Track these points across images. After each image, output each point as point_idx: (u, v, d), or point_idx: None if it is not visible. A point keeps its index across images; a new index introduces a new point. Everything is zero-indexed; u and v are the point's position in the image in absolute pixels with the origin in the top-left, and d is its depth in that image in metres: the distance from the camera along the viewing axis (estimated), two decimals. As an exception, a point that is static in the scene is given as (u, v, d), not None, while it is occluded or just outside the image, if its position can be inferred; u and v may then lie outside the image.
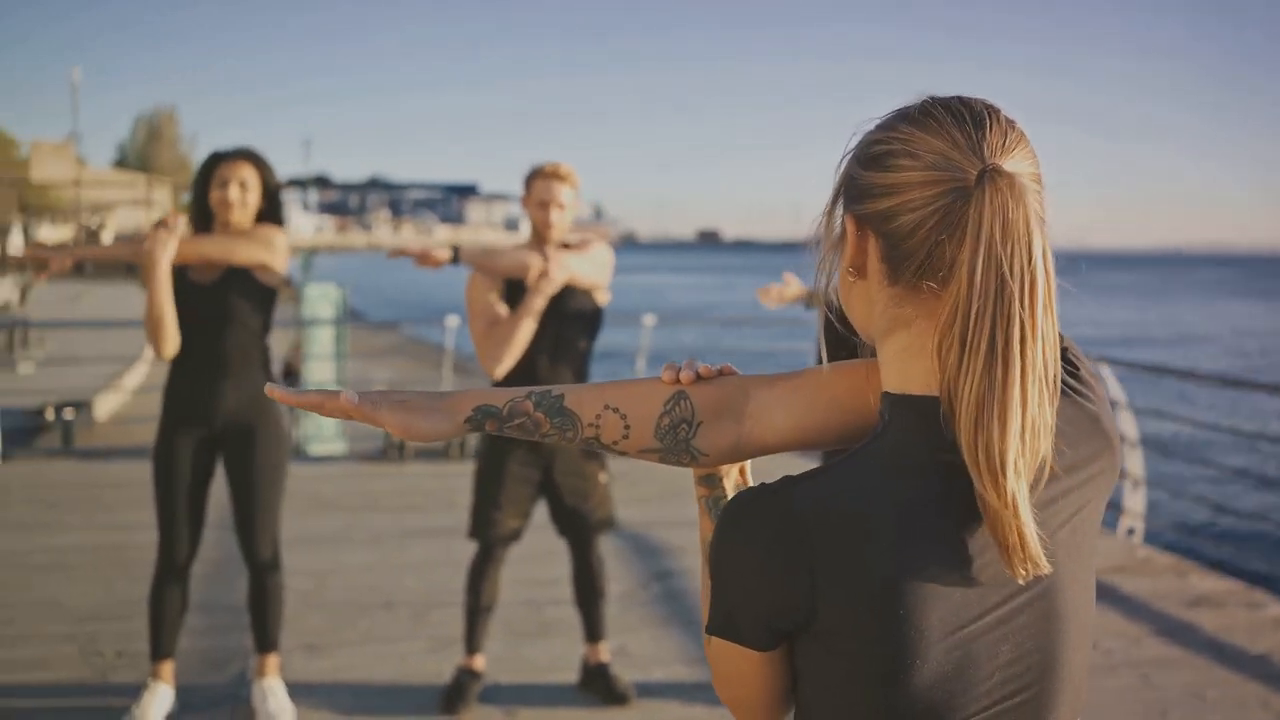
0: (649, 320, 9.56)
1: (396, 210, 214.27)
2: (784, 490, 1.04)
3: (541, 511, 4.58)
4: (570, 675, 4.27)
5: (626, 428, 1.20)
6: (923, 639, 1.01)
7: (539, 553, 5.34)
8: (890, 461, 1.05)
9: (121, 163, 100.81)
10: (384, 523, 6.59)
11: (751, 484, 1.22)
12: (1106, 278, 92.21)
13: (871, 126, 1.09)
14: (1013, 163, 1.03)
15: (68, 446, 9.27)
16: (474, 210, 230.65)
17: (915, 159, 1.03)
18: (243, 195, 3.71)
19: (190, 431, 3.73)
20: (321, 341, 9.90)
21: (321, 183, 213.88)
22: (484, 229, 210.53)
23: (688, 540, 6.18)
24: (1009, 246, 0.99)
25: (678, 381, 1.21)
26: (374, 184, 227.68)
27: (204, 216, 3.79)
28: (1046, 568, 1.00)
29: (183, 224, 3.66)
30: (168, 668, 3.82)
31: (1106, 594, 5.39)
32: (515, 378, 3.83)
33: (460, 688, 4.01)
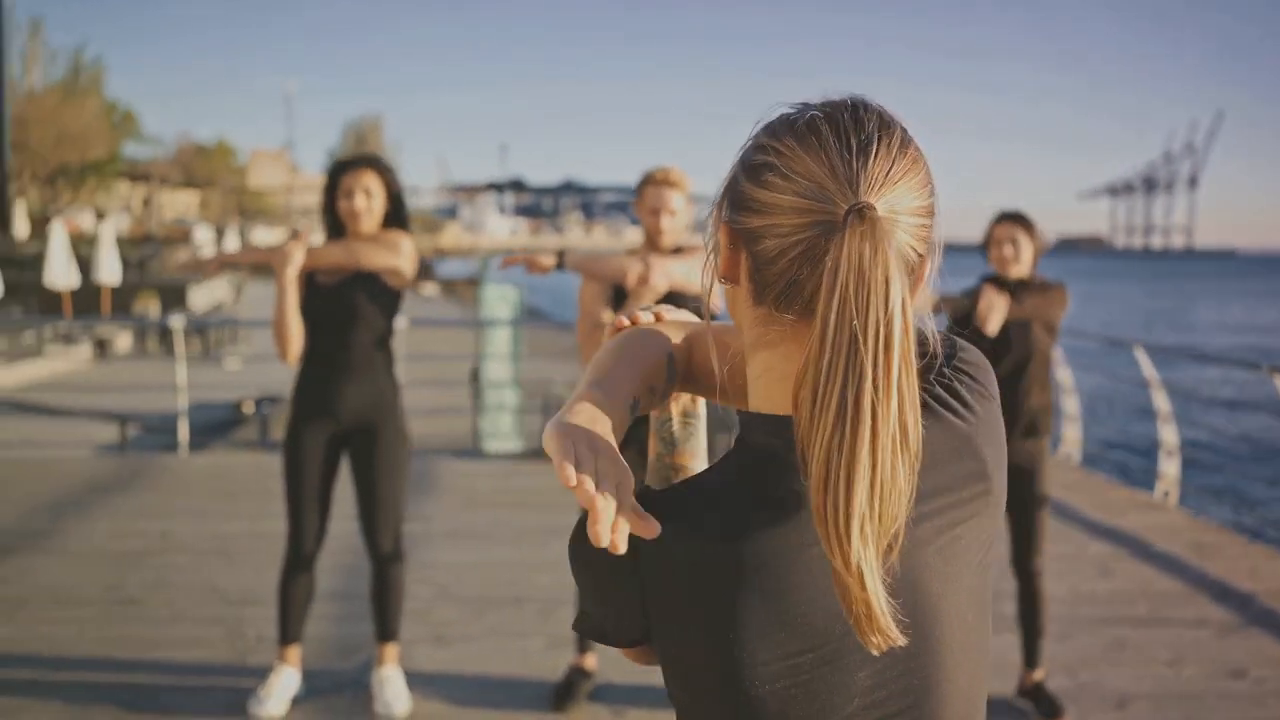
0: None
1: (588, 213, 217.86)
2: None
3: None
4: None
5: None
6: (758, 668, 0.99)
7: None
8: (737, 485, 1.02)
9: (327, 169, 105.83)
10: (530, 520, 6.74)
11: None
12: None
13: (771, 119, 1.04)
14: (891, 198, 0.97)
15: (264, 439, 9.81)
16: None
17: (789, 181, 0.98)
18: (368, 203, 3.86)
19: (317, 427, 3.90)
20: (499, 341, 10.39)
21: (517, 186, 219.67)
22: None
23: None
24: (864, 298, 0.91)
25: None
26: (567, 187, 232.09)
27: (335, 225, 3.96)
28: (899, 639, 0.93)
29: (314, 234, 3.84)
30: (294, 652, 4.01)
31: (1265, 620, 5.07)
32: None
33: (570, 686, 4.07)
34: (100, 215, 44.29)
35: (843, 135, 0.98)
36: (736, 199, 1.03)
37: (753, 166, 1.02)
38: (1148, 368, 8.35)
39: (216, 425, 12.38)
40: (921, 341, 1.09)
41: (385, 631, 4.05)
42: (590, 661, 4.16)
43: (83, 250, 24.66)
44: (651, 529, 0.92)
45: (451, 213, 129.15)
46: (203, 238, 46.19)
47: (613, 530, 0.89)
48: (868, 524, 0.91)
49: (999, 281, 3.99)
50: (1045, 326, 3.98)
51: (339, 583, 5.25)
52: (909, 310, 0.94)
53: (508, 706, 4.06)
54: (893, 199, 0.97)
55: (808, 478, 0.93)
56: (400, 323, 9.87)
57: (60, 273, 20.29)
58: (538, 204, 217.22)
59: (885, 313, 0.92)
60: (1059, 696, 4.12)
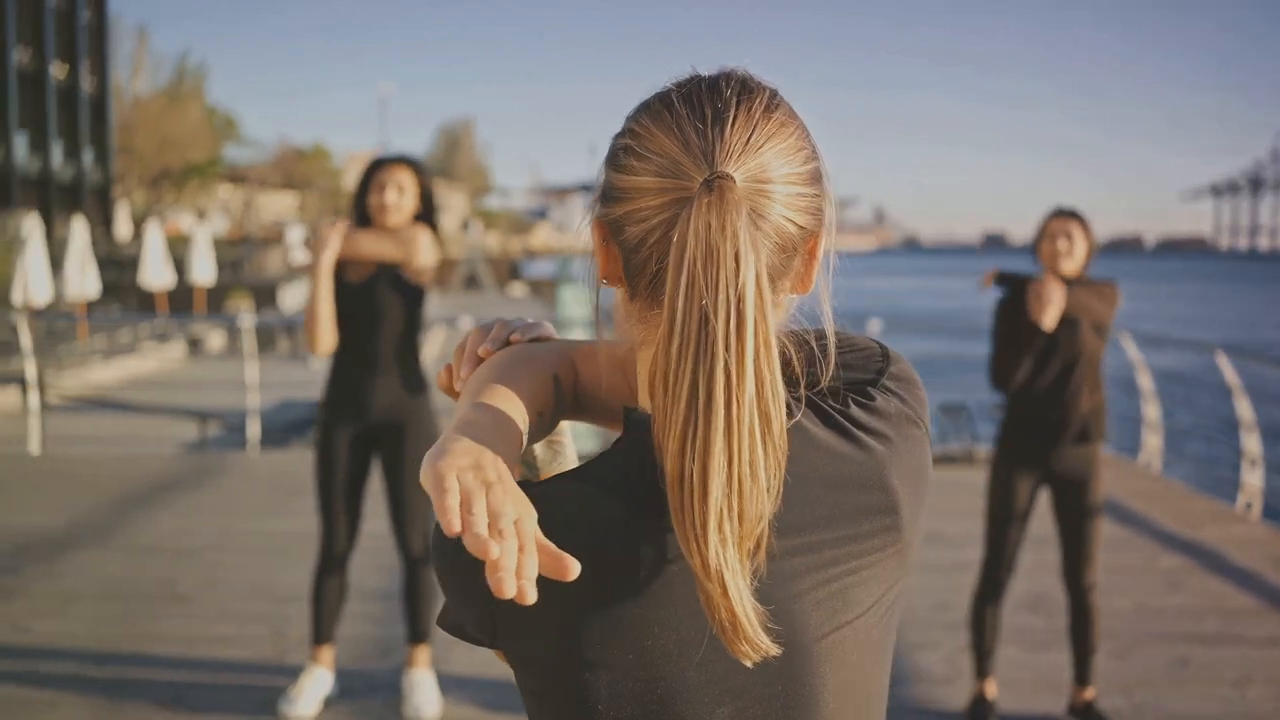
0: (874, 326, 9.27)
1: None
2: None
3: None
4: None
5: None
6: (603, 690, 0.90)
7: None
8: (607, 486, 0.92)
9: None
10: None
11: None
12: None
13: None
14: (753, 166, 0.89)
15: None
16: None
17: (645, 161, 0.90)
18: (399, 199, 3.85)
19: (347, 426, 3.90)
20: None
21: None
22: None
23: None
24: (713, 274, 0.84)
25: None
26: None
27: (365, 220, 3.95)
28: (771, 649, 0.85)
29: (344, 226, 3.85)
30: (326, 652, 4.00)
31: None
32: None
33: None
34: (201, 217, 45.51)
35: (697, 107, 0.90)
36: (604, 192, 0.96)
37: (613, 154, 0.95)
38: (1230, 373, 8.03)
39: (298, 424, 12.60)
40: (820, 339, 0.99)
41: (417, 633, 4.03)
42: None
43: (179, 251, 25.30)
44: (567, 569, 0.80)
45: (542, 214, 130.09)
46: (294, 238, 47.21)
47: (518, 576, 0.77)
48: (726, 522, 0.83)
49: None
50: (1095, 326, 3.81)
51: (377, 582, 5.25)
52: (765, 287, 0.85)
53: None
54: (755, 167, 0.89)
55: (664, 475, 0.86)
56: (465, 322, 9.92)
57: (156, 273, 20.84)
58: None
59: (736, 289, 0.84)
60: (1111, 716, 3.94)
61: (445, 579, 0.95)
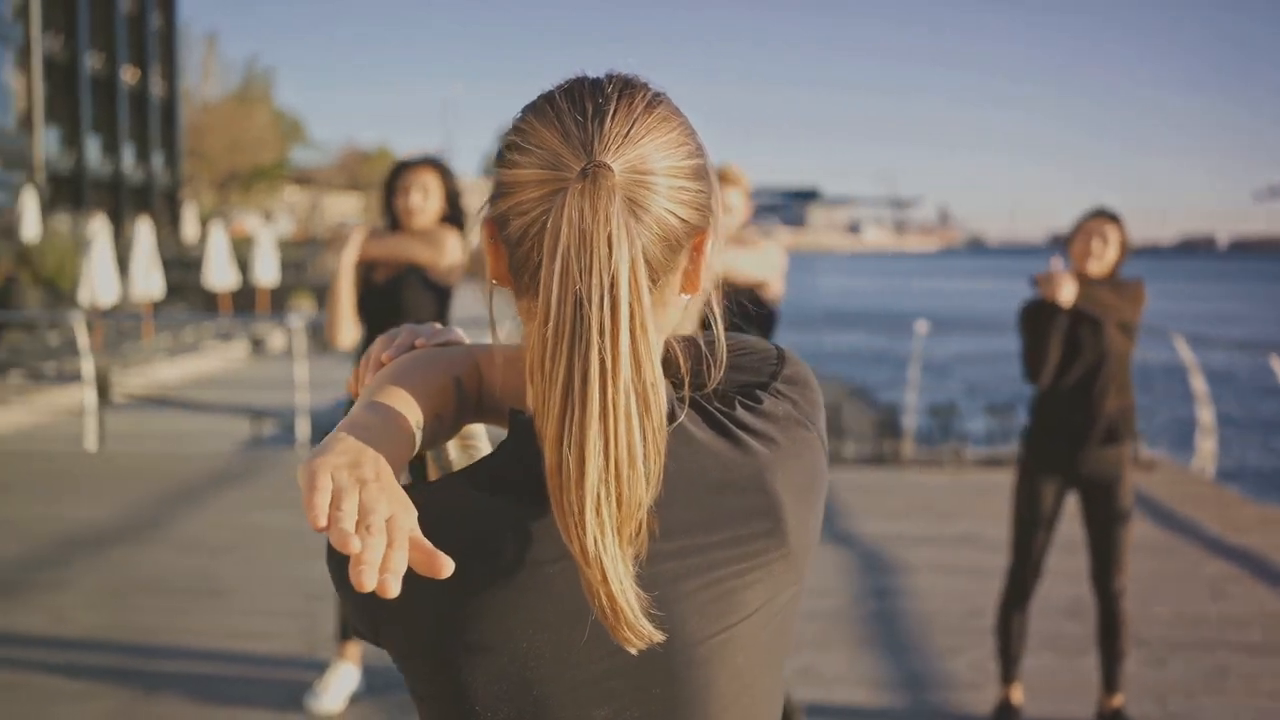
0: (921, 327, 9.18)
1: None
2: None
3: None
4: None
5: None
6: (480, 690, 0.91)
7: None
8: (492, 486, 0.92)
9: (489, 171, 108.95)
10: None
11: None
12: None
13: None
14: (632, 157, 0.88)
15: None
16: (816, 214, 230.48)
17: (527, 155, 0.90)
18: (423, 201, 3.89)
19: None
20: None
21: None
22: (825, 232, 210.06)
23: (925, 559, 5.90)
24: (586, 260, 0.84)
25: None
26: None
27: (392, 222, 4.00)
28: (655, 636, 0.85)
29: (366, 228, 3.92)
30: (354, 648, 4.05)
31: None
32: None
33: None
34: (267, 218, 46.24)
35: (579, 102, 0.91)
36: (492, 191, 0.96)
37: (499, 152, 0.95)
38: None
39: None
40: (710, 343, 0.99)
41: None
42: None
43: (244, 252, 25.73)
44: (440, 567, 0.80)
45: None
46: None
47: (382, 570, 0.77)
48: (604, 507, 0.83)
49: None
50: (1120, 325, 3.74)
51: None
52: (640, 272, 0.85)
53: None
54: (635, 158, 0.89)
55: (546, 472, 0.86)
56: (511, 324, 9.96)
57: (219, 273, 21.21)
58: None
59: (609, 274, 0.84)
60: (1141, 725, 3.87)
61: (335, 579, 0.95)
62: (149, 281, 18.23)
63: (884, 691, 4.23)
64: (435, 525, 0.88)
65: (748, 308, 3.79)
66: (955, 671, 4.42)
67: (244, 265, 23.69)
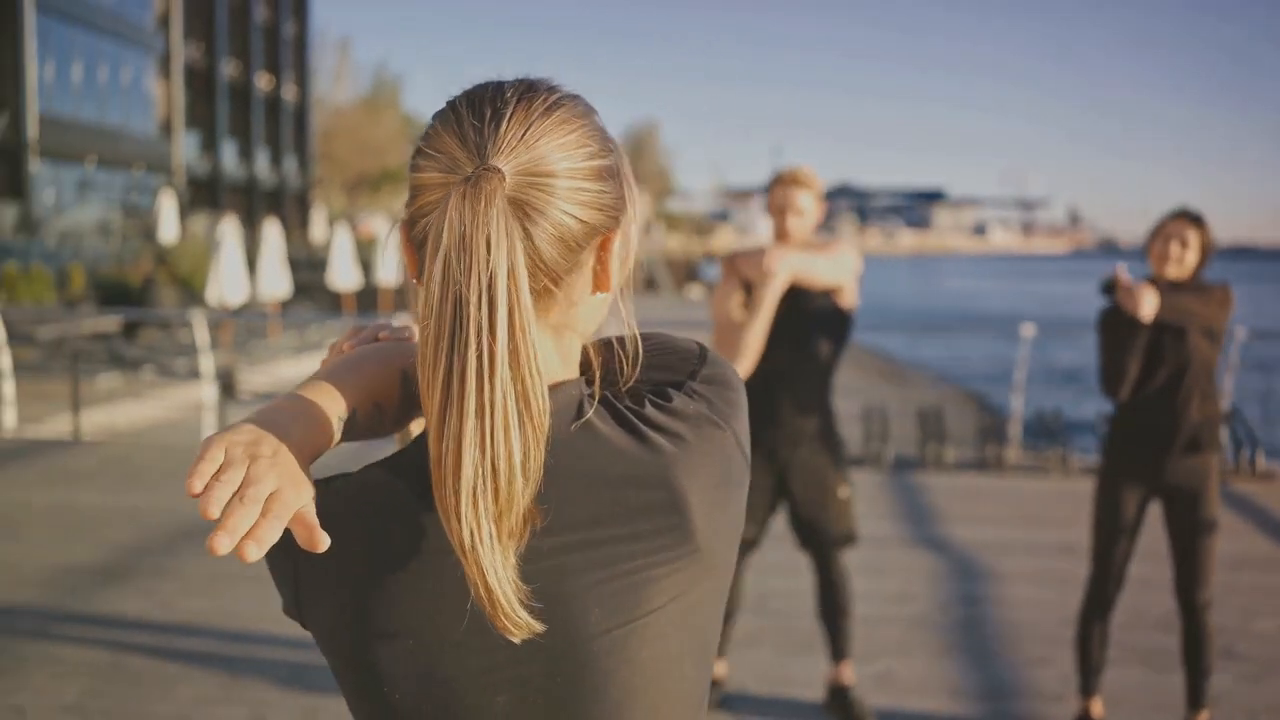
0: (1027, 330, 8.97)
1: (863, 216, 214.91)
2: None
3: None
4: (820, 693, 4.16)
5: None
6: (385, 673, 0.95)
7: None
8: (404, 476, 0.96)
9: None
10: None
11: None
12: None
13: None
14: (526, 160, 0.91)
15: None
16: (941, 215, 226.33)
17: (430, 159, 0.94)
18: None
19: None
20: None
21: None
22: (951, 234, 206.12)
23: (1019, 567, 5.78)
24: (466, 260, 0.87)
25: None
26: (843, 191, 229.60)
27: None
28: (535, 627, 0.88)
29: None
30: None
31: None
32: (756, 377, 3.80)
33: (696, 692, 4.02)
34: (393, 220, 47.32)
35: (478, 107, 0.94)
36: (407, 196, 1.00)
37: (411, 158, 0.99)
38: None
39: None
40: (621, 343, 1.02)
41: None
42: (720, 669, 4.10)
43: (368, 253, 26.41)
44: (316, 541, 0.86)
45: (723, 216, 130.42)
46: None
47: (247, 538, 0.83)
48: (480, 500, 0.86)
49: (1152, 282, 3.67)
50: (1205, 331, 3.62)
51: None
52: (520, 273, 0.88)
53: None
54: (528, 160, 0.92)
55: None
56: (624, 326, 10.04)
57: (343, 274, 21.82)
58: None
59: (488, 274, 0.87)
60: (1228, 744, 3.75)
61: (268, 564, 1.01)
62: (277, 281, 18.85)
63: (962, 700, 4.17)
64: (346, 512, 0.93)
65: (824, 312, 3.78)
66: (1040, 682, 4.33)
67: (367, 266, 24.33)
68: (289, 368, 18.12)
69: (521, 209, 0.91)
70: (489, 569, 0.86)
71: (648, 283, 46.28)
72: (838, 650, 4.02)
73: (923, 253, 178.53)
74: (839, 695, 3.98)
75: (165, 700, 4.11)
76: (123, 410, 11.21)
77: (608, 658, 0.96)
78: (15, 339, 11.58)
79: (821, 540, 3.92)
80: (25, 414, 10.49)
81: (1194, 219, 3.70)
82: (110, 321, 16.17)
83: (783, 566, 5.23)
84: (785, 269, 3.63)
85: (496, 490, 0.87)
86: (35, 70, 26.76)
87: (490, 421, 0.86)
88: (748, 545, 3.96)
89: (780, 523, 4.77)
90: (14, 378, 10.58)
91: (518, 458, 0.87)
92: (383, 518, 0.95)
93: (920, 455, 8.85)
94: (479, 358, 0.86)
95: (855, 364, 18.96)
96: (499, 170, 0.90)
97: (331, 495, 0.96)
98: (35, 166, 26.82)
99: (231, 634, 4.71)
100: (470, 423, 0.86)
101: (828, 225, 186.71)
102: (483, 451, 0.86)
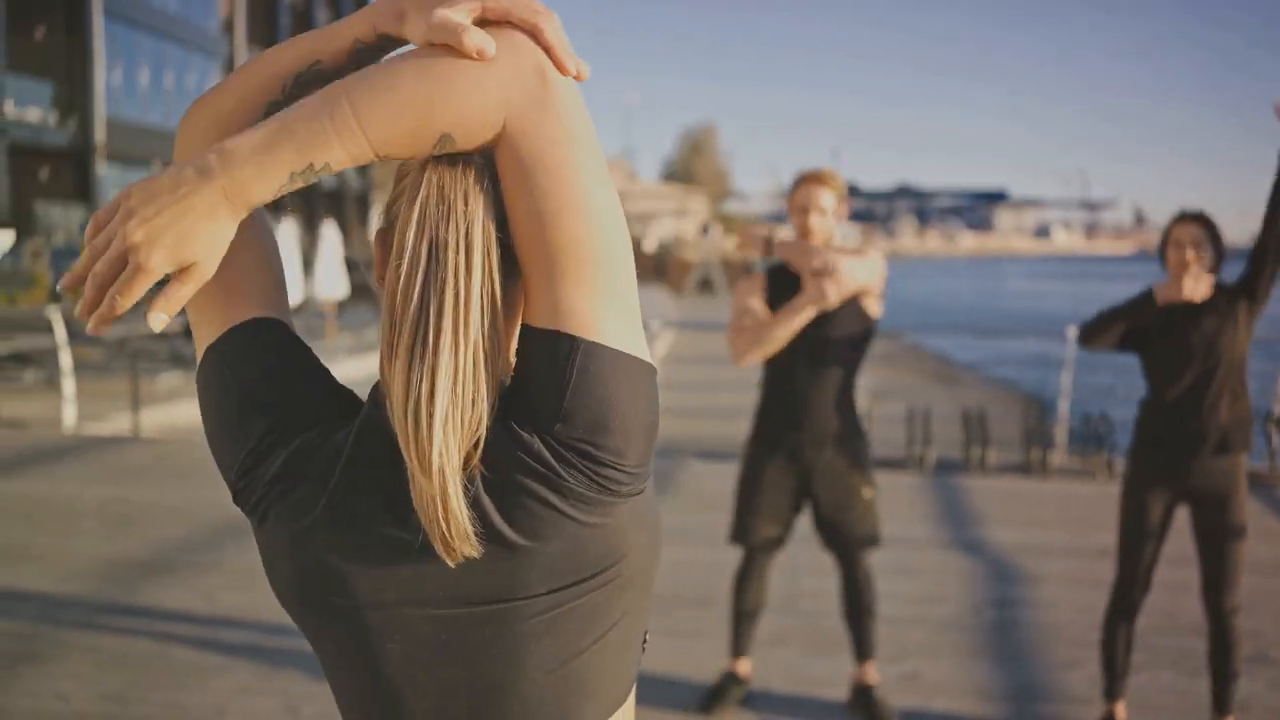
0: (1073, 332, 8.85)
1: (923, 218, 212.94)
2: None
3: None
4: (845, 693, 4.17)
5: None
6: (330, 636, 1.05)
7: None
8: (366, 422, 1.03)
9: (669, 176, 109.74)
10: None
11: None
12: None
13: None
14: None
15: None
16: (1003, 217, 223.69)
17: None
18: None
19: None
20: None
21: (850, 191, 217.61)
22: (1013, 236, 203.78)
23: (1056, 570, 5.74)
24: (444, 209, 0.94)
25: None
26: (902, 192, 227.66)
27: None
28: (474, 551, 0.95)
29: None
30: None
31: None
32: (780, 379, 3.84)
33: (721, 690, 4.07)
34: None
35: None
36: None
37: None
38: None
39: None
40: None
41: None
42: (744, 667, 4.13)
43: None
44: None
45: (780, 218, 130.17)
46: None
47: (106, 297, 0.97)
48: (451, 428, 0.93)
49: (1168, 305, 3.66)
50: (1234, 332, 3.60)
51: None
52: (491, 229, 0.95)
53: (652, 703, 4.10)
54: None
55: (390, 396, 0.95)
56: (662, 326, 10.07)
57: (397, 275, 22.06)
58: (870, 209, 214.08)
59: (464, 221, 0.94)
60: (1254, 750, 3.71)
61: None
62: (334, 282, 19.11)
63: (987, 702, 4.16)
64: (309, 453, 1.04)
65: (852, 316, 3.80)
66: (1067, 685, 4.32)
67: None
68: (345, 368, 18.37)
69: (496, 179, 0.98)
70: (452, 491, 0.93)
71: (703, 284, 46.15)
72: (862, 650, 4.03)
73: (983, 254, 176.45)
74: (862, 695, 4.00)
75: (203, 690, 4.22)
76: (182, 409, 11.44)
77: (540, 641, 1.03)
78: (79, 339, 11.87)
79: (845, 541, 3.94)
80: (86, 412, 10.76)
81: (1201, 219, 3.67)
82: (172, 322, 16.49)
83: (811, 567, 5.24)
84: (850, 279, 3.64)
85: (463, 421, 0.94)
86: (102, 75, 27.39)
87: (463, 358, 0.93)
88: (770, 544, 3.99)
89: (808, 523, 4.78)
90: (76, 377, 10.86)
91: (485, 394, 0.95)
92: (318, 467, 1.03)
93: (963, 458, 8.80)
94: (456, 296, 0.93)
95: (905, 365, 18.86)
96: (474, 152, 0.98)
97: (313, 433, 1.07)
98: (102, 170, 27.45)
99: (269, 627, 4.82)
100: (445, 357, 0.93)
101: (886, 227, 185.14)
102: (454, 386, 0.93)
